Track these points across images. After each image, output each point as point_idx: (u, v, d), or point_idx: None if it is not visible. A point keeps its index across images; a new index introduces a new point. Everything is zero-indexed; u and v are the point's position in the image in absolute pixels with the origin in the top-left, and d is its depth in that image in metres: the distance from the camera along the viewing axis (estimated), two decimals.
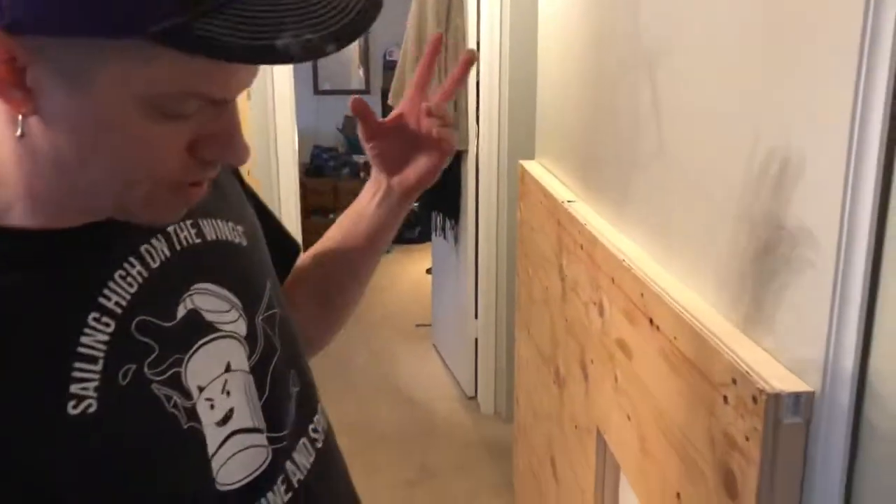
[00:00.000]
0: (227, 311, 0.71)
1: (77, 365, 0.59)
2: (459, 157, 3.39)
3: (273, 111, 3.11)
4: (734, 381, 0.89)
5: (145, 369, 0.63)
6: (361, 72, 6.27)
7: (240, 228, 0.79)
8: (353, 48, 6.12)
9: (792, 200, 0.88)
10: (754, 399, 0.85)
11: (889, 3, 0.71)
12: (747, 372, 0.87)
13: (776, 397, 0.83)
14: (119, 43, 0.51)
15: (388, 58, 6.09)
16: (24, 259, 0.60)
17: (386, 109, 5.05)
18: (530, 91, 2.48)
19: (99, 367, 0.60)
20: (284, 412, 0.76)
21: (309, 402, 0.82)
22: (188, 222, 0.72)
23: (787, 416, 0.83)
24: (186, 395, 0.65)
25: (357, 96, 0.89)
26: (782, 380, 0.85)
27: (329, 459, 0.82)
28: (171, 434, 0.64)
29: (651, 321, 1.17)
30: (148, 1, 0.49)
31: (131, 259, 0.66)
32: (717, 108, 1.07)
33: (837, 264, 0.79)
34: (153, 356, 0.64)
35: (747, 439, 0.87)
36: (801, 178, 0.86)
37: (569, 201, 1.79)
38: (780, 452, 0.84)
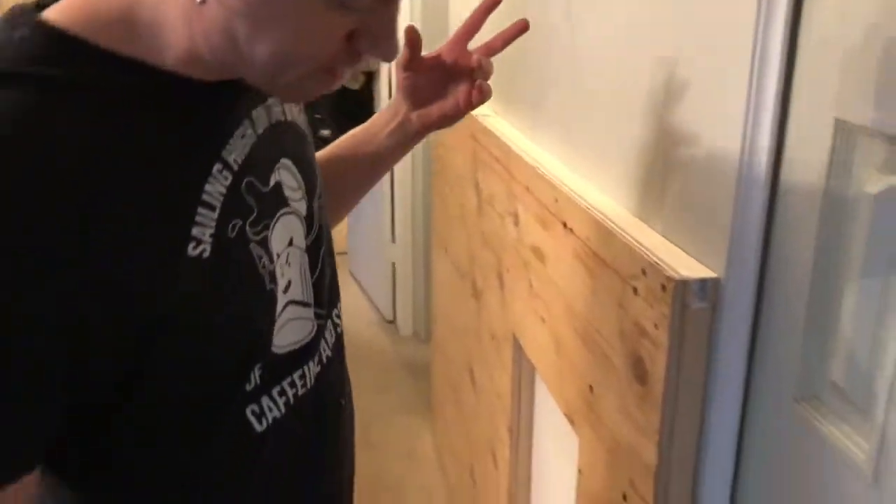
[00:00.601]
0: (296, 190, 0.76)
1: (200, 210, 0.62)
2: (371, 76, 3.33)
3: None
4: (644, 272, 0.93)
5: (247, 227, 0.67)
6: None
7: (302, 117, 0.84)
8: None
9: (694, 104, 0.90)
10: (663, 287, 0.88)
11: None
12: (656, 262, 0.91)
13: (684, 284, 0.86)
14: None
15: None
16: (166, 100, 0.63)
17: None
18: (443, 7, 2.44)
19: (216, 215, 0.63)
20: (325, 293, 0.81)
21: (336, 288, 0.87)
22: (273, 102, 0.75)
23: (695, 302, 0.87)
24: (270, 258, 0.69)
25: (412, 25, 0.92)
26: (689, 268, 0.89)
27: (342, 344, 0.88)
28: (258, 293, 0.68)
29: (565, 224, 1.20)
30: None
31: (245, 121, 0.69)
32: (623, 20, 1.08)
33: (741, 166, 0.82)
34: (253, 216, 0.67)
35: (656, 327, 0.91)
36: (702, 84, 0.89)
37: (484, 115, 1.79)
38: (686, 337, 0.88)
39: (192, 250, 0.61)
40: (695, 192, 0.92)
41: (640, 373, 0.96)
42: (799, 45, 0.77)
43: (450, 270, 2.24)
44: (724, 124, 0.85)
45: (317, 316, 0.78)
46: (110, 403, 0.61)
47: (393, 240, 3.47)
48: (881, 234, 0.68)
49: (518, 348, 1.57)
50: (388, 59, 0.64)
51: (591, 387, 1.14)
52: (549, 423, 1.51)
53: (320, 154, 1.00)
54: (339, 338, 0.86)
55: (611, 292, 1.03)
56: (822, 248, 0.75)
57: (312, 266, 0.78)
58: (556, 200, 1.23)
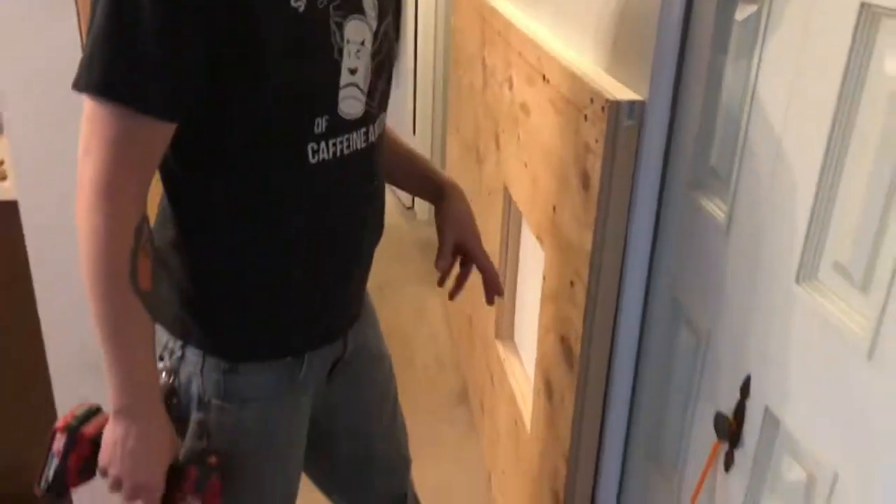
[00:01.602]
0: (373, 9, 1.00)
1: None
2: None
3: None
4: (591, 100, 1.20)
5: (330, 8, 0.93)
6: None
7: None
8: None
9: None
10: (603, 109, 1.15)
11: None
12: (600, 90, 1.17)
13: (617, 104, 1.13)
14: None
15: None
16: None
17: None
18: None
19: None
20: (377, 95, 1.05)
21: (386, 101, 1.11)
22: None
23: (625, 120, 1.14)
24: (342, 38, 0.95)
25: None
26: (623, 94, 1.16)
27: (381, 147, 1.12)
28: (326, 54, 0.94)
29: (544, 77, 1.47)
30: None
31: None
32: None
33: (660, 16, 1.07)
34: (336, 3, 0.93)
35: (597, 141, 1.18)
36: None
37: None
38: (618, 147, 1.15)
39: (293, 2, 0.89)
40: (631, 38, 1.18)
41: (585, 182, 1.24)
42: None
43: (460, 147, 2.51)
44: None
45: (367, 105, 1.02)
46: (217, 103, 0.90)
47: (414, 132, 3.73)
48: (743, 51, 0.95)
49: (508, 198, 1.86)
50: None
51: (554, 207, 1.42)
52: (530, 257, 1.81)
53: (393, 136, 1.29)
54: (380, 138, 1.10)
55: (570, 122, 1.31)
56: (710, 73, 1.02)
57: (373, 71, 1.02)
58: (539, 59, 1.50)
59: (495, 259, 1.98)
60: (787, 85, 0.87)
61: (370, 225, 1.14)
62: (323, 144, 0.99)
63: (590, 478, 1.37)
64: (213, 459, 1.03)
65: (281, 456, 1.14)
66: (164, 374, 1.06)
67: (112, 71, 0.84)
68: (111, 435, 0.95)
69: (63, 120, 1.55)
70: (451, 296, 1.37)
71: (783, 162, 0.87)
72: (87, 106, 0.86)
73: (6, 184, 1.63)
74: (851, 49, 0.75)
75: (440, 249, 1.29)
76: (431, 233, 1.28)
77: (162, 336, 1.08)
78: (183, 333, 1.05)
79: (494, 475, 2.10)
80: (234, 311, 1.05)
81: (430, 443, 1.44)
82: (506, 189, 1.85)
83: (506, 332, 2.04)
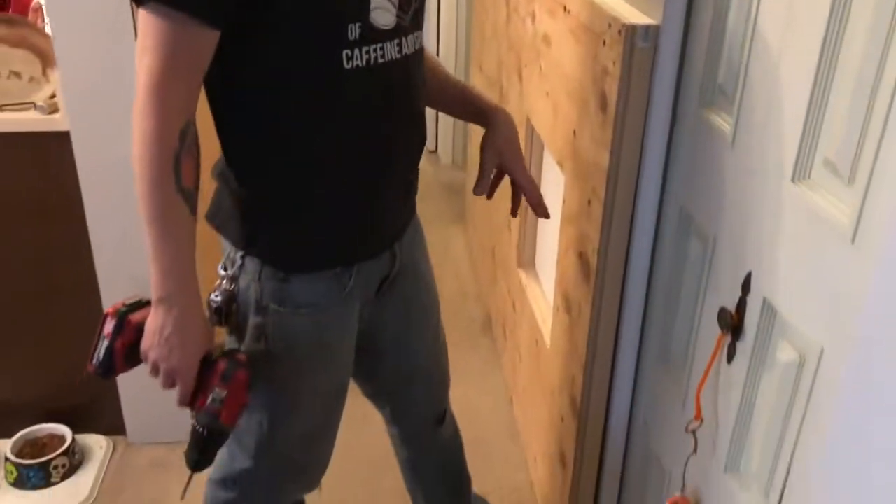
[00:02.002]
0: None
1: None
2: None
3: None
4: (609, 25, 1.28)
5: None
6: None
7: None
8: None
9: None
10: (620, 32, 1.23)
11: None
12: (617, 16, 1.25)
13: (633, 28, 1.21)
14: None
15: None
16: None
17: None
18: None
19: None
20: (409, 10, 1.13)
21: (421, 19, 1.19)
22: None
23: (640, 42, 1.22)
24: None
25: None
26: (639, 19, 1.24)
27: (421, 65, 1.22)
28: None
29: (565, 8, 1.54)
30: None
31: None
32: None
33: None
34: None
35: (614, 64, 1.26)
36: None
37: None
38: (634, 69, 1.23)
39: None
40: None
41: (603, 104, 1.33)
42: None
43: (483, 84, 2.58)
44: None
45: (398, 18, 1.10)
46: (260, 10, 0.98)
47: None
48: None
49: (531, 130, 1.94)
50: None
51: (574, 132, 1.51)
52: (552, 184, 1.90)
53: (437, 64, 1.38)
54: (416, 54, 1.18)
55: (589, 50, 1.38)
56: (717, 6, 1.10)
57: None
58: None
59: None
60: (785, 5, 0.94)
61: (409, 135, 1.22)
62: (357, 51, 1.06)
63: (605, 382, 1.48)
64: (241, 356, 1.14)
65: (330, 357, 1.26)
66: (225, 281, 1.17)
67: None
68: (152, 322, 1.06)
69: (110, 55, 1.65)
70: (514, 212, 1.45)
71: (781, 75, 0.96)
72: (142, 16, 0.96)
73: (58, 116, 1.74)
74: None
75: (478, 174, 1.37)
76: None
77: (225, 247, 1.19)
78: (243, 244, 1.16)
79: (515, 396, 2.22)
80: (287, 223, 1.16)
81: (456, 371, 1.55)
82: (528, 121, 1.94)
83: (527, 260, 2.15)
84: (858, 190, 0.81)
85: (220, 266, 1.19)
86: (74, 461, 2.00)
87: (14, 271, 1.90)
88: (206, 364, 1.10)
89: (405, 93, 1.18)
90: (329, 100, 1.09)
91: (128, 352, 1.12)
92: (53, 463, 1.94)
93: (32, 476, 1.93)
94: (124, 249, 1.82)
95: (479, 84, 2.65)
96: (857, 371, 0.82)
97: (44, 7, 1.75)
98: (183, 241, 1.03)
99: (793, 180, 0.94)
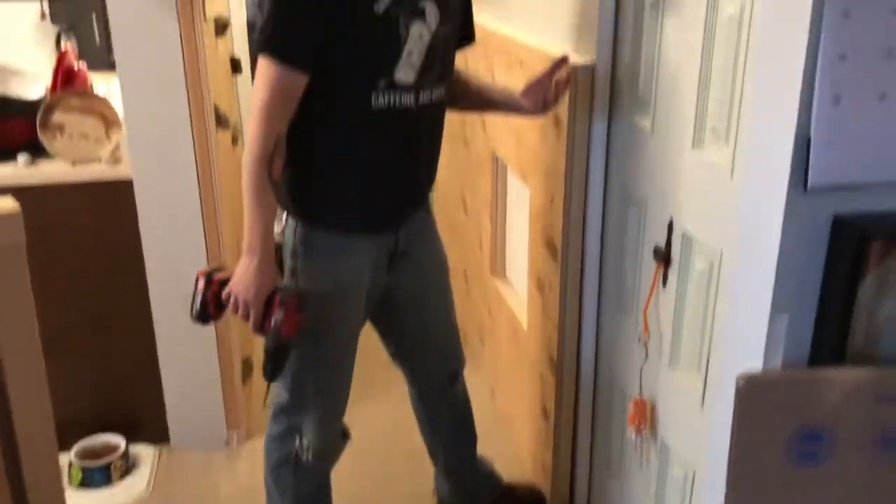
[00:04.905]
0: (434, 18, 1.56)
1: None
2: None
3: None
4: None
5: (401, 14, 1.50)
6: None
7: None
8: None
9: None
10: (567, 70, 1.74)
11: None
12: (566, 54, 1.76)
13: (576, 66, 1.72)
14: None
15: None
16: None
17: None
18: None
19: (389, 2, 1.48)
20: (430, 72, 1.59)
21: (444, 78, 1.66)
22: None
23: (581, 75, 1.73)
24: (407, 32, 1.52)
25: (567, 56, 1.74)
26: (579, 59, 1.74)
27: (439, 111, 1.71)
28: (394, 41, 1.51)
29: (521, 63, 2.05)
30: None
31: None
32: None
33: (599, 11, 1.66)
34: (405, 11, 1.51)
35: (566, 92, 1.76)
36: None
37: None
38: (578, 95, 1.73)
39: (374, 9, 1.47)
40: (583, 24, 1.77)
41: (557, 123, 1.82)
42: None
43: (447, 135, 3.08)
44: None
45: (418, 77, 1.57)
46: (326, 61, 1.47)
47: None
48: (652, 22, 1.54)
49: (495, 160, 2.44)
50: None
51: (535, 151, 2.00)
52: (516, 201, 2.38)
53: (469, 72, 1.86)
54: (439, 103, 1.67)
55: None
56: (634, 38, 1.61)
57: (426, 56, 1.56)
58: (515, 50, 2.09)
59: (488, 209, 2.56)
60: (677, 36, 1.46)
61: (416, 158, 1.69)
62: (383, 96, 1.55)
63: (575, 335, 1.93)
64: (291, 289, 1.62)
65: (342, 300, 1.70)
66: (277, 234, 1.64)
67: (273, 41, 1.45)
68: (240, 265, 1.56)
69: (168, 115, 2.09)
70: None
71: (678, 85, 1.47)
72: (260, 61, 1.45)
73: (121, 167, 2.15)
74: (707, 6, 1.34)
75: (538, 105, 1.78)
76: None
77: (278, 212, 1.65)
78: (286, 207, 1.65)
79: (497, 387, 2.65)
80: (314, 196, 1.63)
81: None
82: (493, 155, 2.43)
83: (499, 269, 2.61)
84: (731, 144, 1.31)
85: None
86: (129, 464, 2.33)
87: (78, 300, 2.26)
88: (269, 300, 1.56)
89: (416, 130, 1.66)
90: (359, 126, 1.58)
91: (215, 300, 1.59)
92: (113, 464, 2.27)
93: (97, 476, 2.25)
94: (175, 281, 2.21)
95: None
96: (739, 258, 1.29)
97: (117, 75, 2.18)
98: (267, 213, 1.53)
99: (692, 148, 1.43)
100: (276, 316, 1.54)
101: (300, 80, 1.48)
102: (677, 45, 1.47)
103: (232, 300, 1.56)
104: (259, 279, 1.54)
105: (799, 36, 1.01)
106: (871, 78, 1.03)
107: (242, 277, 1.55)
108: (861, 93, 1.03)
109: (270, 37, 1.46)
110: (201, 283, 1.59)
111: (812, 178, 1.06)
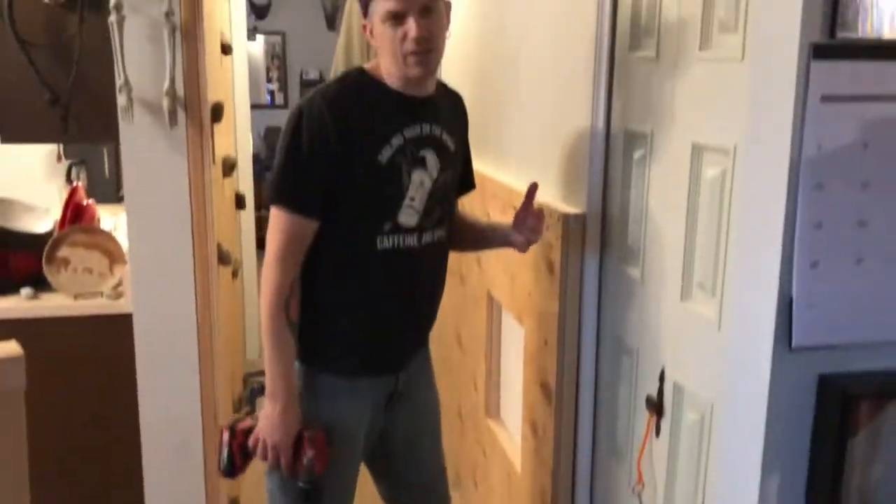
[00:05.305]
0: (434, 166, 1.69)
1: (387, 146, 1.60)
2: None
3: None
4: (550, 215, 1.85)
5: (403, 162, 1.62)
6: (267, 88, 7.14)
7: (454, 138, 1.76)
8: (262, 68, 7.01)
9: (565, 135, 1.85)
10: (558, 219, 1.80)
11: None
12: (555, 208, 1.83)
13: (567, 215, 1.78)
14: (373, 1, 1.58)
15: (304, 77, 6.96)
16: (388, 98, 1.63)
17: None
18: None
19: (393, 150, 1.61)
20: (431, 215, 1.69)
21: (442, 221, 1.74)
22: (434, 125, 1.68)
23: (572, 224, 1.79)
24: (409, 179, 1.64)
25: (536, 182, 1.82)
26: (570, 209, 1.81)
27: (442, 252, 1.77)
28: (397, 187, 1.63)
29: (515, 208, 2.12)
30: None
31: (416, 125, 1.65)
32: (541, 91, 2.04)
33: (590, 169, 1.75)
34: (407, 159, 1.63)
35: (557, 239, 1.82)
36: (571, 124, 1.83)
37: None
38: (570, 243, 1.79)
39: (379, 157, 1.56)
40: (573, 177, 1.85)
41: (550, 268, 1.87)
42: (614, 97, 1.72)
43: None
44: (583, 148, 1.79)
45: (420, 220, 1.67)
46: (334, 208, 1.54)
47: None
48: (639, 175, 1.62)
49: (490, 299, 2.48)
50: (414, 43, 1.55)
51: (529, 293, 2.04)
52: (511, 340, 2.40)
53: (467, 213, 1.96)
54: (440, 244, 1.75)
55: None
56: (623, 190, 1.69)
57: (428, 201, 1.67)
58: (509, 196, 2.17)
59: (483, 347, 2.57)
60: (663, 190, 1.53)
61: (419, 298, 1.74)
62: (387, 238, 1.62)
63: (569, 483, 1.90)
64: (316, 425, 1.62)
65: (345, 441, 1.69)
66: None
67: (285, 191, 1.52)
68: (264, 411, 1.56)
69: (175, 249, 2.15)
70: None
71: (665, 238, 1.52)
72: (273, 211, 1.50)
73: (122, 301, 2.19)
74: (692, 165, 1.42)
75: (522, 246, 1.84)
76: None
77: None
78: (299, 356, 1.65)
79: None
80: (319, 339, 1.66)
81: None
82: (488, 294, 2.47)
83: (493, 411, 2.60)
84: (717, 297, 1.35)
85: None
86: None
87: (74, 429, 2.25)
88: (297, 441, 1.55)
89: (419, 270, 1.72)
90: (365, 267, 1.64)
91: (241, 451, 1.58)
92: None
93: None
94: (167, 413, 2.21)
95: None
96: (728, 412, 1.31)
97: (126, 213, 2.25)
98: (288, 356, 1.53)
99: (681, 300, 1.47)
100: (308, 454, 1.57)
101: (311, 227, 1.56)
102: (663, 199, 1.53)
103: (260, 447, 1.58)
104: (285, 423, 1.57)
105: (776, 205, 1.07)
106: (847, 244, 1.08)
107: (269, 423, 1.56)
108: (838, 258, 1.08)
109: (282, 188, 1.54)
110: (226, 436, 1.61)
111: (796, 339, 1.09)
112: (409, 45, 1.54)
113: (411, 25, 1.53)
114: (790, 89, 1.05)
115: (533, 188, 1.80)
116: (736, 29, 1.27)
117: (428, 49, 1.57)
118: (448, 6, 1.65)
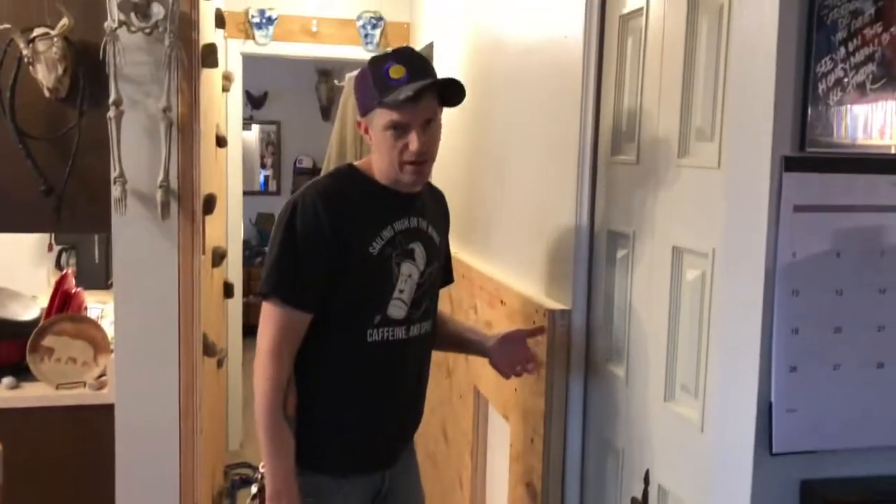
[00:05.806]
0: (422, 258, 1.70)
1: (378, 239, 1.62)
2: None
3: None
4: (537, 311, 1.86)
5: (393, 254, 1.64)
6: (262, 173, 7.26)
7: (438, 232, 1.79)
8: (256, 154, 7.15)
9: (549, 233, 1.88)
10: (544, 315, 1.82)
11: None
12: (541, 304, 1.85)
13: (553, 311, 1.80)
14: (377, 108, 1.57)
15: (297, 165, 7.08)
16: (377, 194, 1.66)
17: None
18: None
19: (383, 243, 1.62)
20: (418, 307, 1.70)
21: (428, 313, 1.75)
22: (421, 219, 1.71)
23: (558, 320, 1.80)
24: (398, 272, 1.65)
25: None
26: (556, 305, 1.83)
27: (427, 343, 1.76)
28: (387, 280, 1.64)
29: (502, 301, 2.14)
30: (379, 93, 1.55)
31: (408, 218, 1.68)
32: (527, 190, 2.09)
33: (575, 268, 1.78)
34: (397, 252, 1.65)
35: (543, 334, 1.83)
36: (556, 223, 1.87)
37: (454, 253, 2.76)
38: (556, 341, 1.80)
39: (370, 249, 1.58)
40: (559, 274, 1.88)
41: (536, 364, 1.87)
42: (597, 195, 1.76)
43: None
44: (568, 246, 1.82)
45: (408, 313, 1.68)
46: (326, 300, 1.56)
47: None
48: (622, 274, 1.64)
49: (477, 394, 2.46)
50: (413, 154, 1.59)
51: (515, 388, 2.04)
52: (497, 436, 2.37)
53: (446, 313, 1.97)
54: (426, 336, 1.75)
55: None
56: (607, 289, 1.71)
57: (416, 296, 1.68)
58: (497, 289, 2.19)
59: (468, 443, 2.54)
60: (646, 290, 1.55)
61: (407, 390, 1.73)
62: (377, 331, 1.63)
63: None
64: None
65: None
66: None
67: (280, 285, 1.53)
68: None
69: (161, 339, 2.14)
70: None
71: (648, 337, 1.53)
72: (265, 305, 1.50)
73: (105, 391, 2.16)
74: (672, 266, 1.44)
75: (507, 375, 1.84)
76: None
77: None
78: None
79: None
80: (306, 438, 1.63)
81: None
82: (475, 388, 2.46)
83: None
84: (700, 398, 1.35)
85: None
86: None
87: None
88: None
89: (407, 361, 1.73)
90: (355, 360, 1.64)
91: None
92: None
93: None
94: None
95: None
96: None
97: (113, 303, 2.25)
98: (286, 452, 1.53)
99: (664, 400, 1.47)
100: None
101: (305, 320, 1.57)
102: (646, 299, 1.55)
103: None
104: None
105: (754, 310, 1.09)
106: (824, 350, 1.09)
107: None
108: (815, 363, 1.09)
109: (277, 280, 1.55)
110: None
111: (776, 444, 1.10)
112: (409, 157, 1.59)
113: (413, 138, 1.57)
114: (764, 199, 1.08)
115: (539, 330, 1.81)
116: (712, 138, 1.32)
117: (425, 160, 1.62)
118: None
